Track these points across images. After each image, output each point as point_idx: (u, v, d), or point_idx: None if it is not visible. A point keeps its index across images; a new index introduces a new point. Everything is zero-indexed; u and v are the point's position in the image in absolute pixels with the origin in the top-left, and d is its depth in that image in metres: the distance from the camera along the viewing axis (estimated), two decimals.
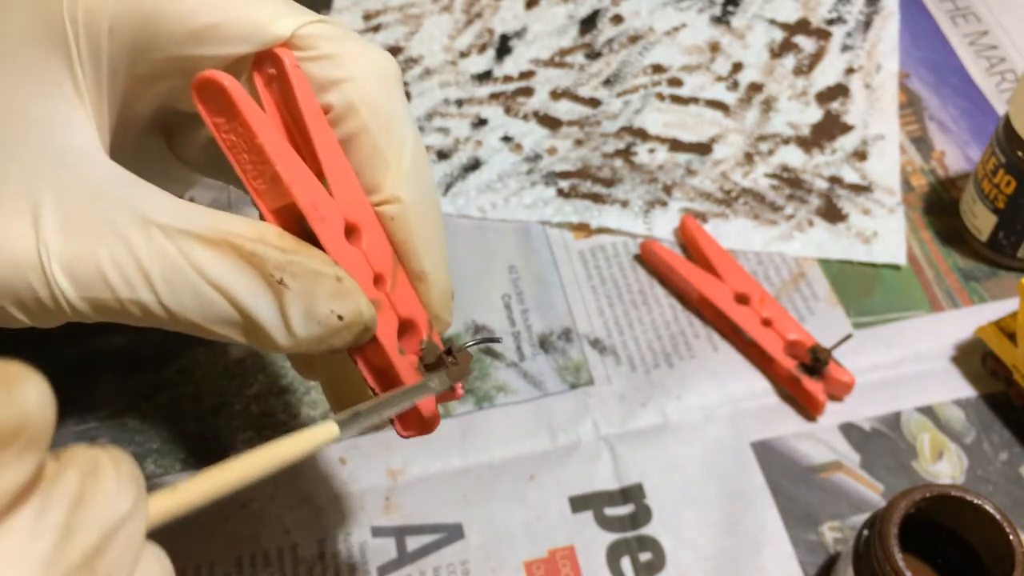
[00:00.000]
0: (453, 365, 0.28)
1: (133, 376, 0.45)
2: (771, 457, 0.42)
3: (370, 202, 0.28)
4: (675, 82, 0.56)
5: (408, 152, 0.28)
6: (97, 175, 0.24)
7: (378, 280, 0.28)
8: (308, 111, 0.27)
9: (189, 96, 0.25)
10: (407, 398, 0.27)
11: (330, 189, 0.27)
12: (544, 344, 0.46)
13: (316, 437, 0.23)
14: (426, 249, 0.29)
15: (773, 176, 0.52)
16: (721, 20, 0.59)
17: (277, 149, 0.25)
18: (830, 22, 0.59)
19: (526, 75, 0.57)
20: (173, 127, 0.32)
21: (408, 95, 0.56)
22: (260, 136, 0.25)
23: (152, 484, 0.42)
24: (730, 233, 0.49)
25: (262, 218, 0.26)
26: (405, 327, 0.29)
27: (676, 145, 0.53)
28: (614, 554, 0.40)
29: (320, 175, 0.27)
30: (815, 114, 0.54)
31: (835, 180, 0.51)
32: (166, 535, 0.42)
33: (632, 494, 0.41)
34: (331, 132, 0.28)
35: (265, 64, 0.27)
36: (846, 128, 0.54)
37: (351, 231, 0.27)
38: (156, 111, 0.29)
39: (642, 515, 0.41)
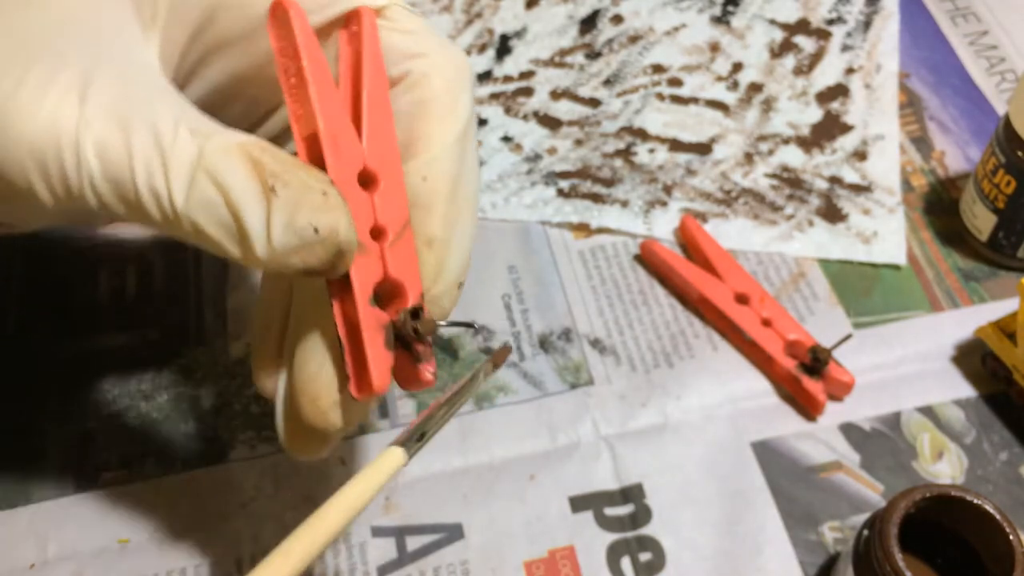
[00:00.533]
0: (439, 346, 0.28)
1: (133, 376, 0.45)
2: (771, 457, 0.42)
3: (411, 162, 0.29)
4: (675, 82, 0.56)
5: (461, 129, 0.30)
6: (148, 77, 0.27)
7: (378, 232, 0.28)
8: (369, 65, 0.28)
9: (246, 91, 0.29)
10: (459, 400, 0.28)
11: (364, 138, 0.28)
12: (544, 344, 0.46)
13: (385, 468, 0.26)
14: (446, 220, 0.29)
15: (773, 176, 0.52)
16: (721, 20, 0.59)
17: (319, 79, 0.27)
18: (830, 22, 0.59)
19: (526, 75, 0.57)
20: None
21: None
22: (306, 60, 0.27)
23: (153, 484, 0.42)
24: (730, 233, 0.49)
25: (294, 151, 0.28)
26: (392, 289, 0.28)
27: (676, 145, 0.53)
28: (614, 554, 0.40)
29: (359, 124, 0.28)
30: (815, 114, 0.54)
31: (835, 180, 0.51)
32: (167, 534, 0.42)
33: (632, 494, 0.41)
34: (386, 91, 0.29)
35: (351, 22, 0.29)
36: (846, 128, 0.54)
37: (368, 179, 0.28)
38: (209, 93, 0.30)
39: (642, 515, 0.41)
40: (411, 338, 0.28)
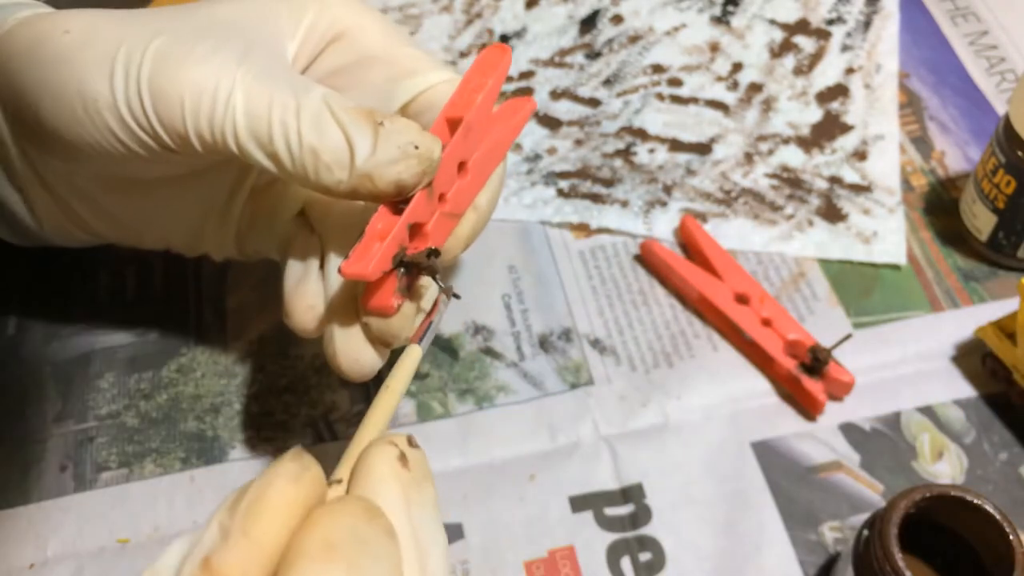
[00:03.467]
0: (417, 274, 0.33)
1: (133, 376, 0.45)
2: (771, 457, 0.42)
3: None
4: (675, 82, 0.56)
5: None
6: (286, 64, 0.34)
7: (441, 198, 0.33)
8: (507, 108, 0.36)
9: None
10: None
11: (483, 145, 0.34)
12: (544, 344, 0.46)
13: (410, 363, 0.30)
14: (490, 195, 0.37)
15: (773, 176, 0.52)
16: (721, 20, 0.59)
17: (485, 100, 0.33)
18: (830, 22, 0.59)
19: (526, 75, 0.57)
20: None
21: None
22: (489, 82, 0.34)
23: (152, 484, 0.42)
24: (730, 233, 0.49)
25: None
26: (419, 241, 0.33)
27: (676, 145, 0.53)
28: (614, 554, 0.40)
29: (484, 136, 0.34)
30: (815, 114, 0.54)
31: (835, 180, 0.51)
32: (167, 534, 0.42)
33: (632, 494, 0.41)
34: (510, 132, 0.36)
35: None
36: (846, 128, 0.54)
37: (462, 168, 0.34)
38: None
39: (642, 515, 0.41)
40: (416, 266, 0.32)
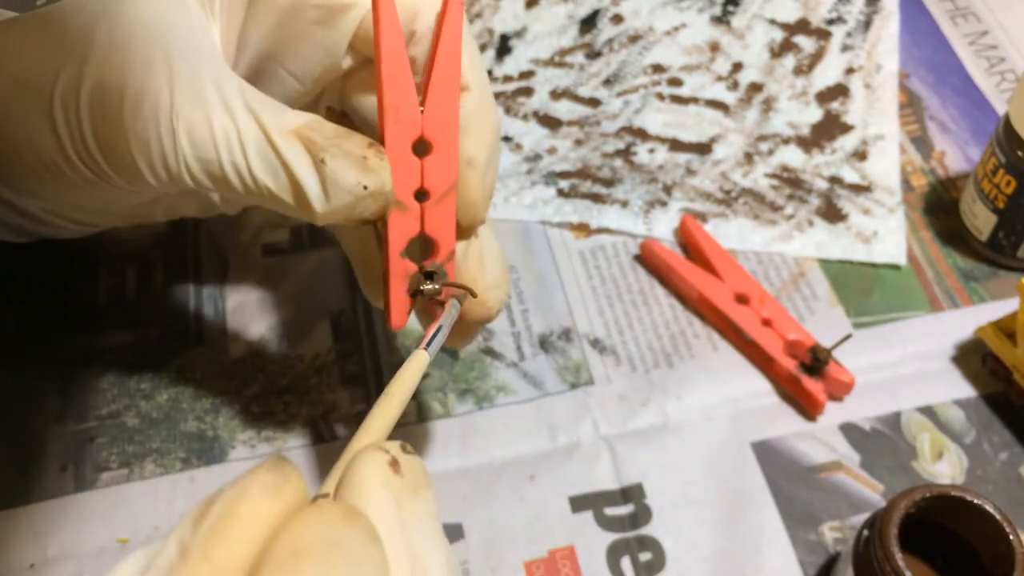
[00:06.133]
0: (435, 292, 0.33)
1: (133, 376, 0.45)
2: (771, 457, 0.42)
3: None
4: (675, 82, 0.56)
5: (484, 66, 0.35)
6: (218, 70, 0.31)
7: (422, 194, 0.32)
8: (446, 45, 0.31)
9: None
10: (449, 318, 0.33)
11: (425, 109, 0.31)
12: (544, 344, 0.46)
13: (415, 368, 0.30)
14: (481, 143, 0.34)
15: (773, 176, 0.52)
16: (721, 20, 0.59)
17: (390, 56, 0.30)
18: (830, 22, 0.59)
19: (526, 75, 0.57)
20: None
21: None
22: (382, 40, 0.30)
23: (152, 484, 0.42)
24: (730, 233, 0.49)
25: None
26: (427, 245, 0.33)
27: (676, 145, 0.53)
28: (614, 554, 0.40)
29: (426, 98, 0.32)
30: (815, 114, 0.54)
31: (835, 180, 0.51)
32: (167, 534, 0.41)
33: (632, 494, 0.41)
34: (457, 69, 0.32)
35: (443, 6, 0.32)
36: (846, 128, 0.54)
37: (424, 146, 0.32)
38: (256, 72, 0.34)
39: (642, 515, 0.41)
40: (421, 292, 0.33)
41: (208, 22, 0.33)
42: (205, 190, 0.32)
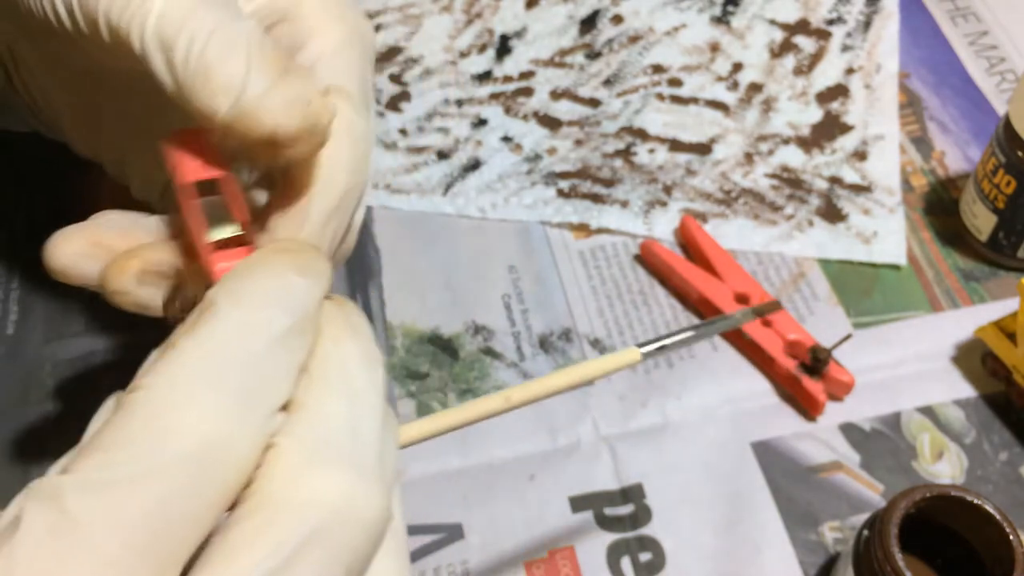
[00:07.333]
0: None
1: (133, 376, 0.45)
2: (771, 457, 0.42)
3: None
4: (675, 82, 0.56)
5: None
6: None
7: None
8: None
9: None
10: (707, 332, 0.32)
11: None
12: (544, 344, 0.46)
13: (622, 360, 0.30)
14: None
15: (773, 176, 0.52)
16: (721, 20, 0.59)
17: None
18: (830, 22, 0.59)
19: (526, 75, 0.57)
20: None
21: (408, 95, 0.56)
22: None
23: None
24: (730, 233, 0.49)
25: None
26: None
27: (676, 145, 0.53)
28: (614, 554, 0.40)
29: None
30: (815, 114, 0.54)
31: (835, 180, 0.51)
32: None
33: (632, 494, 0.41)
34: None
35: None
36: (846, 128, 0.54)
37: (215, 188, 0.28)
38: None
39: (642, 515, 0.41)
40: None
41: None
42: (142, 60, 0.29)
